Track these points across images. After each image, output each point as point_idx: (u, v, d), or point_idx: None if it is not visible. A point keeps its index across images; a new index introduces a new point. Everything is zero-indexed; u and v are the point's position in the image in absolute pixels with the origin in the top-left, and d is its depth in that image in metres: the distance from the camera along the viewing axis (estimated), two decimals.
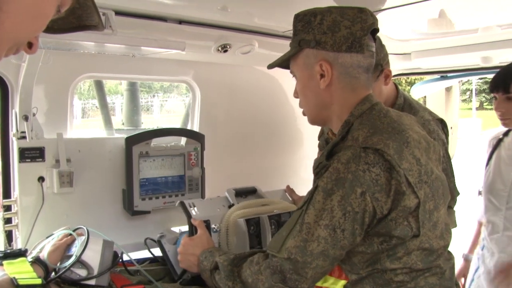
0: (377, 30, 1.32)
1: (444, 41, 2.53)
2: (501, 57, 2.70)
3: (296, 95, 1.42)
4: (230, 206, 1.90)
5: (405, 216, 1.16)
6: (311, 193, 1.20)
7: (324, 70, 1.28)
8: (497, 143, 2.19)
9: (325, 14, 1.27)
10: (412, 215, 1.18)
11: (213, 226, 1.79)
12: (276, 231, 1.84)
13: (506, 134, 2.15)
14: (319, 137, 2.49)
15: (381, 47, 1.94)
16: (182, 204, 1.80)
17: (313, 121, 1.43)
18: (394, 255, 1.19)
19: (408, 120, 1.33)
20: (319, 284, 1.28)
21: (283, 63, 1.40)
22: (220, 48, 2.21)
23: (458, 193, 2.02)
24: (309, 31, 1.29)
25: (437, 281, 1.25)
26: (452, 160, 2.08)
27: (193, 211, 1.79)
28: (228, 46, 2.21)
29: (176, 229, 2.41)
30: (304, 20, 1.31)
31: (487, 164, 2.19)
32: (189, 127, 2.64)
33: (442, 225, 1.28)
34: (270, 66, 1.45)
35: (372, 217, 1.15)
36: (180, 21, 1.99)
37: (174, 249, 1.85)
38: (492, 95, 2.07)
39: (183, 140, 2.37)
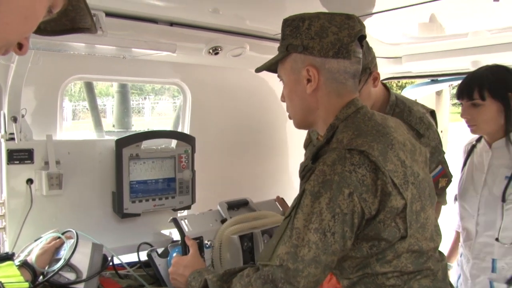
0: (364, 37, 1.33)
1: (434, 45, 2.55)
2: (490, 61, 2.71)
3: (283, 99, 1.43)
4: (223, 220, 1.89)
5: (392, 217, 1.16)
6: (299, 198, 1.19)
7: (311, 75, 1.29)
8: (471, 149, 2.19)
9: (313, 20, 1.28)
10: (400, 216, 1.18)
11: (206, 242, 1.79)
12: None
13: (479, 140, 2.15)
14: (305, 147, 2.51)
15: (368, 50, 1.95)
16: (174, 220, 1.79)
17: (298, 125, 1.43)
18: (384, 259, 1.19)
19: (393, 123, 1.33)
20: None
21: (271, 67, 1.40)
22: (211, 51, 2.21)
23: (452, 175, 2.14)
24: (297, 36, 1.30)
25: (430, 283, 1.25)
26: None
27: (186, 228, 1.78)
28: (219, 49, 2.21)
29: (166, 231, 2.41)
30: (292, 25, 1.32)
31: (462, 170, 2.20)
32: (180, 130, 2.63)
33: (431, 226, 1.28)
34: (258, 70, 1.45)
35: (361, 218, 1.15)
36: (171, 23, 1.98)
37: (165, 263, 1.85)
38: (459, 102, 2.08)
39: (173, 143, 2.36)
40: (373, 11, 1.94)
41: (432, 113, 2.19)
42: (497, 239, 1.97)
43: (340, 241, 1.14)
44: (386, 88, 2.14)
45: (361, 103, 1.34)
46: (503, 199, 1.96)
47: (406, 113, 2.04)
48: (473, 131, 2.08)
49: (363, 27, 1.31)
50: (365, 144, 1.16)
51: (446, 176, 2.12)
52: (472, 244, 2.09)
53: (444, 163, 2.15)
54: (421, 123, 2.04)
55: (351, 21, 1.28)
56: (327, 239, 1.13)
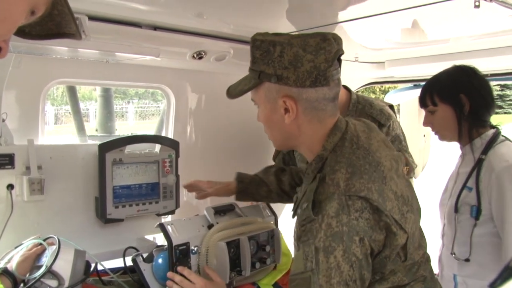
0: (342, 53, 1.27)
1: (417, 50, 2.58)
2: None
3: (259, 120, 1.37)
4: (210, 226, 1.89)
5: (396, 251, 1.19)
6: (309, 256, 1.14)
7: (288, 105, 1.24)
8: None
9: (285, 47, 1.21)
10: (402, 247, 1.20)
11: (192, 247, 1.78)
12: (256, 251, 1.85)
13: None
14: (275, 158, 2.60)
15: None
16: (161, 226, 1.78)
17: (279, 148, 1.42)
18: (382, 279, 1.22)
19: (376, 142, 1.30)
20: None
21: (243, 93, 1.33)
22: (195, 55, 2.20)
23: (415, 165, 2.35)
24: (269, 64, 1.23)
25: (422, 286, 1.28)
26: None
27: (172, 233, 1.77)
28: (203, 53, 2.21)
29: (150, 237, 2.39)
30: (262, 48, 1.24)
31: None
32: (163, 134, 2.62)
33: (418, 235, 1.30)
34: (231, 97, 1.37)
35: (373, 257, 1.17)
36: (155, 28, 1.97)
37: (150, 268, 1.83)
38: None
39: (157, 147, 2.35)
40: (356, 16, 1.96)
41: (391, 106, 2.44)
42: (452, 253, 1.92)
43: (360, 284, 1.14)
44: (347, 89, 2.38)
45: (343, 123, 1.31)
46: (455, 209, 1.91)
47: (368, 107, 2.31)
48: (440, 139, 2.06)
49: (340, 45, 1.25)
50: (363, 187, 1.14)
51: (407, 164, 2.16)
52: (440, 256, 2.06)
53: (405, 151, 2.32)
54: (382, 114, 2.31)
55: (326, 44, 1.21)
56: (350, 287, 1.12)
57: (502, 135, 1.93)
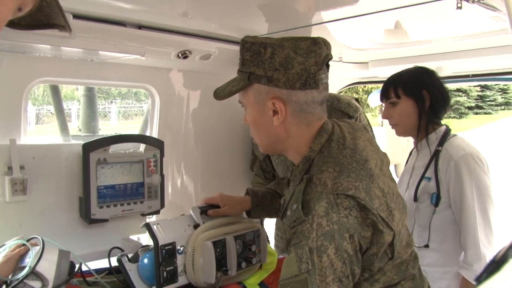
0: (330, 58, 1.28)
1: (400, 51, 2.61)
2: (453, 67, 2.81)
3: (246, 122, 1.37)
4: (196, 225, 1.88)
5: (384, 249, 1.20)
6: (304, 258, 1.14)
7: (277, 107, 1.25)
8: (410, 153, 2.25)
9: (276, 49, 1.22)
10: (389, 245, 1.22)
11: (178, 247, 1.77)
12: (242, 251, 1.85)
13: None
14: (252, 167, 2.63)
15: None
16: (147, 226, 1.77)
17: (266, 151, 1.41)
18: (372, 278, 1.24)
19: (362, 142, 1.32)
20: None
21: (232, 94, 1.34)
22: (180, 54, 2.20)
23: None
24: (259, 65, 1.23)
25: (412, 284, 1.31)
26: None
27: (158, 233, 1.76)
28: (188, 52, 2.20)
29: (134, 237, 2.37)
30: (252, 50, 1.25)
31: None
32: (148, 134, 2.60)
33: (405, 233, 1.32)
34: (218, 98, 1.38)
35: (362, 253, 1.18)
36: (140, 26, 1.96)
37: (135, 268, 1.82)
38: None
39: (142, 147, 2.33)
40: (340, 17, 1.98)
41: (356, 100, 2.60)
42: None
43: (352, 279, 1.16)
44: None
45: (330, 125, 1.32)
46: (415, 198, 2.01)
47: (336, 102, 2.40)
48: (396, 132, 2.15)
49: (329, 50, 1.27)
50: (351, 186, 1.16)
51: None
52: None
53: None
54: (349, 107, 2.41)
55: (317, 47, 1.22)
56: (344, 283, 1.14)
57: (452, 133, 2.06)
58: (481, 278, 0.47)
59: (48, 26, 0.78)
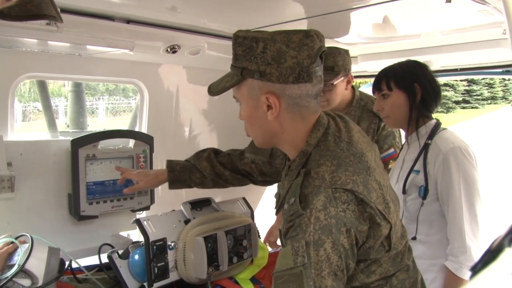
0: (324, 51, 1.27)
1: (388, 45, 2.62)
2: (442, 61, 2.83)
3: (241, 117, 1.36)
4: (186, 221, 1.87)
5: (380, 241, 1.21)
6: (300, 251, 1.13)
7: (271, 102, 1.24)
8: (401, 148, 2.28)
9: (268, 43, 1.21)
10: (386, 237, 1.22)
11: (169, 243, 1.77)
12: (233, 246, 1.85)
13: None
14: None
15: (348, 55, 2.40)
16: (138, 222, 1.76)
17: (260, 145, 1.39)
18: (369, 270, 1.24)
19: (356, 134, 1.32)
20: None
21: (226, 90, 1.32)
22: (169, 49, 2.18)
23: None
24: (252, 60, 1.22)
25: (406, 275, 1.32)
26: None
27: (149, 229, 1.75)
28: (177, 47, 2.18)
29: (124, 233, 2.36)
30: (244, 44, 1.24)
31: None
32: (137, 129, 2.59)
33: (400, 224, 1.33)
34: (212, 94, 1.36)
35: (357, 247, 1.18)
36: (128, 21, 1.94)
37: (126, 264, 1.81)
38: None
39: (131, 142, 2.32)
40: (328, 11, 1.97)
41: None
42: None
43: (346, 273, 1.16)
44: (351, 86, 2.53)
45: (325, 119, 1.31)
46: (404, 191, 2.02)
47: (370, 104, 2.46)
48: (387, 124, 2.18)
49: (322, 42, 1.25)
50: (349, 180, 1.15)
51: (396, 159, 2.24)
52: None
53: (397, 147, 2.43)
54: None
55: (309, 40, 1.21)
56: (338, 277, 1.13)
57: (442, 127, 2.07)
58: (476, 268, 0.47)
59: (39, 17, 0.76)
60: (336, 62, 2.37)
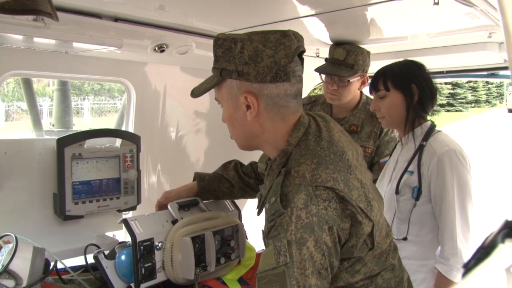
0: (303, 51, 1.29)
1: (376, 47, 2.64)
2: (429, 63, 2.85)
3: (224, 121, 1.38)
4: (174, 221, 1.86)
5: (363, 239, 1.21)
6: (282, 251, 1.12)
7: (250, 101, 1.25)
8: (394, 148, 2.29)
9: (245, 43, 1.22)
10: (369, 235, 1.22)
11: (157, 243, 1.75)
12: (221, 246, 1.84)
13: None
14: None
15: (365, 55, 2.45)
16: (125, 222, 1.74)
17: (242, 148, 1.40)
18: (353, 269, 1.24)
19: (337, 133, 1.33)
20: None
21: (206, 91, 1.34)
22: (156, 48, 2.17)
23: None
24: (230, 60, 1.24)
25: (391, 274, 1.33)
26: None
27: (136, 229, 1.73)
28: (165, 46, 2.17)
29: (110, 234, 2.33)
30: (224, 46, 1.25)
31: None
32: (124, 129, 2.56)
33: (384, 223, 1.33)
34: (194, 95, 1.38)
35: (340, 245, 1.18)
36: (116, 19, 1.93)
37: (112, 265, 1.79)
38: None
39: (118, 142, 2.29)
40: (316, 12, 1.98)
41: None
42: None
43: (330, 272, 1.16)
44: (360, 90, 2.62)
45: (306, 118, 1.32)
46: (397, 191, 2.03)
47: None
48: (383, 125, 2.18)
49: (301, 42, 1.26)
50: (329, 178, 1.16)
51: None
52: None
53: None
54: None
55: (286, 40, 1.22)
56: (322, 275, 1.13)
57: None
58: (469, 265, 0.47)
59: (33, 12, 0.75)
60: (357, 61, 2.42)
